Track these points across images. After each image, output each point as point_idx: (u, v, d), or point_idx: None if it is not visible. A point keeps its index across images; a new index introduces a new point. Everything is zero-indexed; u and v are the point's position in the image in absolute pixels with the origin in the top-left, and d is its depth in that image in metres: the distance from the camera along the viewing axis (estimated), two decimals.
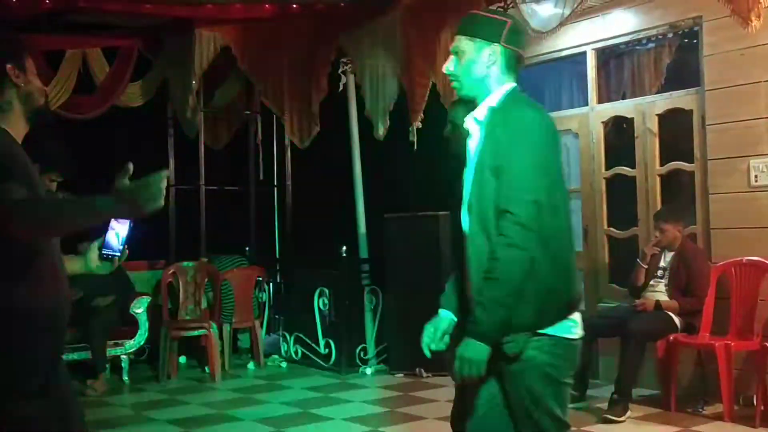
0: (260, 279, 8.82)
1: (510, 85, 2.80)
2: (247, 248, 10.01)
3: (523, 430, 2.73)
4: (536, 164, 2.62)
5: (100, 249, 2.80)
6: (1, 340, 2.35)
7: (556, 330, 2.67)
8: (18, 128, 2.54)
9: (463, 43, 2.79)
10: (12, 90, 2.51)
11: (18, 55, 2.58)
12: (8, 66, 2.50)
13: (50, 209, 2.39)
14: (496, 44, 2.76)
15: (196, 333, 7.87)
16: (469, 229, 2.75)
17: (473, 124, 2.80)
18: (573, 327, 2.73)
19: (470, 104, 2.83)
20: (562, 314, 2.69)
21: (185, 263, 8.29)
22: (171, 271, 8.06)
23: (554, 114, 7.54)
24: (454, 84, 2.85)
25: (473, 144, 2.79)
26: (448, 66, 2.84)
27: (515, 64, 2.82)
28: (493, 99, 2.77)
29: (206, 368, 7.93)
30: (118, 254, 2.76)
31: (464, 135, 2.85)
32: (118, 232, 2.75)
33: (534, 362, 2.65)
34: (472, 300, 2.69)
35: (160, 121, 9.51)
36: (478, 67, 2.77)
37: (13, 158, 2.42)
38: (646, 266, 6.22)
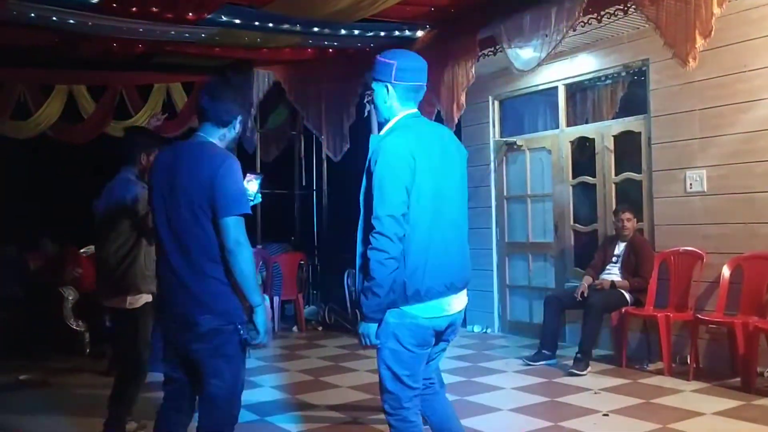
0: (302, 262, 8.85)
1: (406, 112, 2.73)
2: (292, 238, 10.07)
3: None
4: (389, 184, 2.55)
5: None
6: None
7: (409, 308, 2.63)
8: None
9: (372, 83, 2.76)
10: (231, 131, 2.90)
11: (246, 113, 2.94)
12: (240, 116, 2.91)
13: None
14: (386, 83, 2.71)
15: None
16: (359, 227, 2.73)
17: None
18: (424, 309, 2.65)
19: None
20: (415, 299, 2.62)
21: None
22: None
23: (532, 135, 7.56)
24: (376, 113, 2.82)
25: None
26: (369, 100, 2.82)
27: (410, 94, 2.73)
28: (389, 125, 2.73)
29: None
30: (252, 199, 3.06)
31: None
32: (251, 185, 3.10)
33: (387, 323, 2.64)
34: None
35: None
36: (381, 101, 2.74)
37: None
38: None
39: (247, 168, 3.19)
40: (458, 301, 2.77)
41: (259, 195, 3.15)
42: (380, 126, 2.83)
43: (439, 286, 2.66)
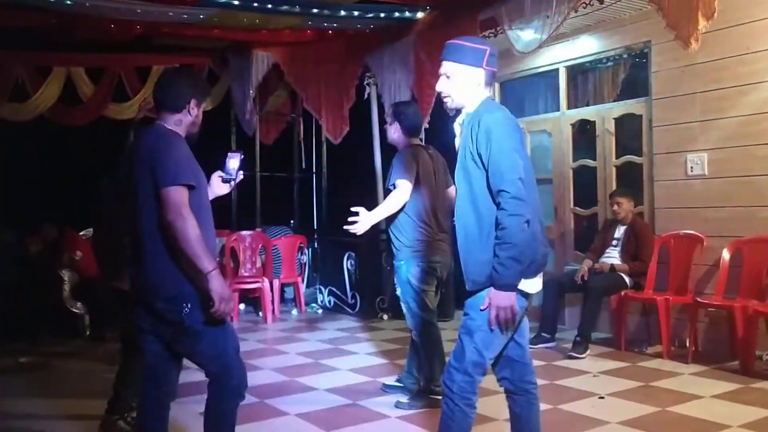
0: (302, 245, 8.83)
1: (486, 95, 2.80)
2: (291, 221, 10.06)
3: None
4: (512, 150, 2.62)
5: (220, 177, 3.12)
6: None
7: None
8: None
9: (454, 67, 2.76)
10: (187, 115, 2.93)
11: (201, 96, 2.99)
12: (193, 100, 2.93)
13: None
14: (479, 68, 2.75)
15: (252, 286, 7.90)
16: (457, 205, 2.75)
17: (458, 127, 2.83)
18: (529, 285, 2.71)
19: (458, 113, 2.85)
20: (527, 273, 2.66)
21: (244, 232, 8.31)
22: (233, 238, 8.08)
23: (532, 118, 7.53)
24: (446, 99, 2.81)
25: (458, 141, 2.82)
26: (440, 86, 2.80)
27: (491, 80, 2.82)
28: (471, 107, 2.77)
29: (260, 313, 7.98)
30: (233, 177, 3.11)
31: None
32: (232, 162, 3.11)
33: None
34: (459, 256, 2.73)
35: (225, 122, 9.55)
36: (469, 84, 2.76)
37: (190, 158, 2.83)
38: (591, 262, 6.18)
39: (243, 149, 3.16)
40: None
41: (241, 173, 3.15)
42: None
43: (541, 258, 2.73)
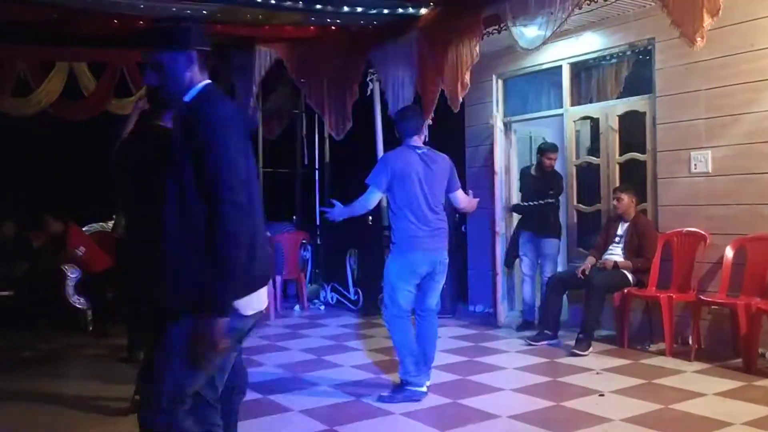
0: (304, 241, 8.85)
1: (204, 81, 2.40)
2: (294, 217, 10.06)
3: None
4: (234, 147, 2.24)
5: None
6: None
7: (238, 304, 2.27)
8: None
9: (164, 53, 2.34)
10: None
11: None
12: None
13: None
14: (190, 51, 2.37)
15: None
16: (165, 214, 2.31)
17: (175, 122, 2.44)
18: (247, 303, 2.32)
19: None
20: (246, 289, 2.30)
21: None
22: None
23: (535, 114, 7.51)
24: (160, 94, 2.42)
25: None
26: (148, 80, 2.37)
27: (205, 61, 2.42)
28: (188, 97, 2.38)
29: None
30: None
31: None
32: None
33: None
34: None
35: None
36: (179, 73, 2.36)
37: None
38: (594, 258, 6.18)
39: None
40: None
41: None
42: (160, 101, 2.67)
43: (264, 266, 2.46)
